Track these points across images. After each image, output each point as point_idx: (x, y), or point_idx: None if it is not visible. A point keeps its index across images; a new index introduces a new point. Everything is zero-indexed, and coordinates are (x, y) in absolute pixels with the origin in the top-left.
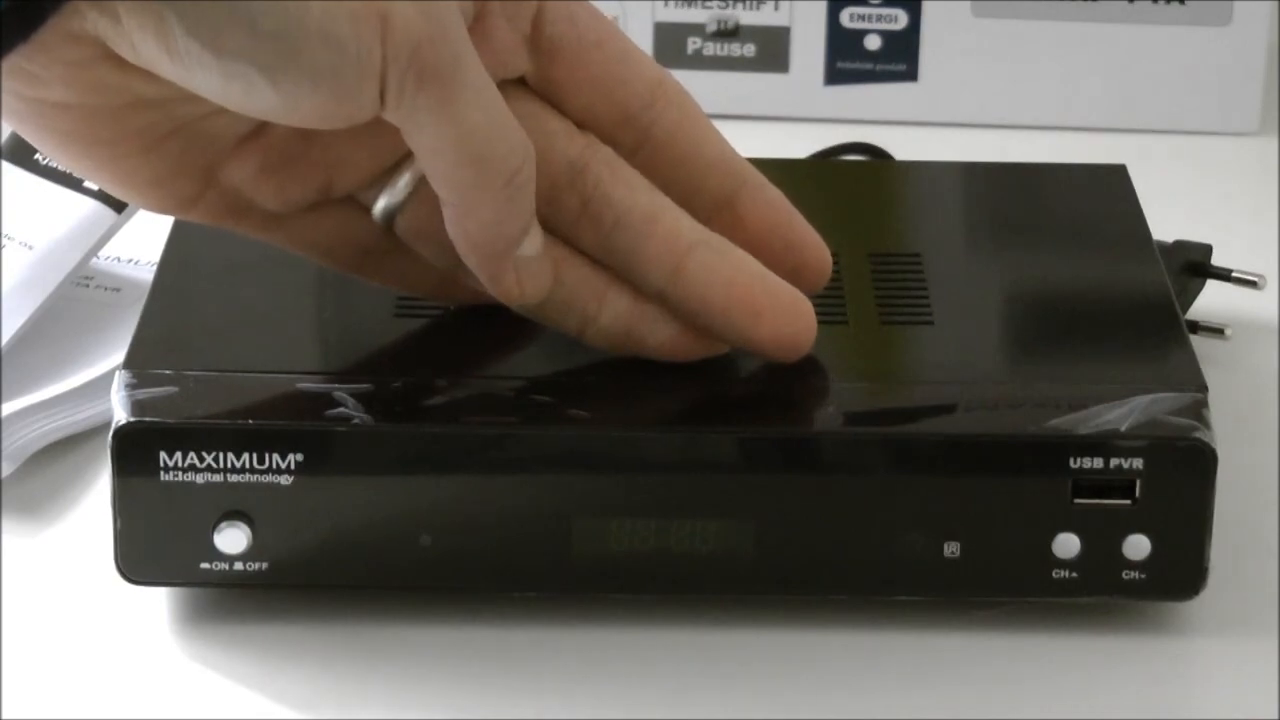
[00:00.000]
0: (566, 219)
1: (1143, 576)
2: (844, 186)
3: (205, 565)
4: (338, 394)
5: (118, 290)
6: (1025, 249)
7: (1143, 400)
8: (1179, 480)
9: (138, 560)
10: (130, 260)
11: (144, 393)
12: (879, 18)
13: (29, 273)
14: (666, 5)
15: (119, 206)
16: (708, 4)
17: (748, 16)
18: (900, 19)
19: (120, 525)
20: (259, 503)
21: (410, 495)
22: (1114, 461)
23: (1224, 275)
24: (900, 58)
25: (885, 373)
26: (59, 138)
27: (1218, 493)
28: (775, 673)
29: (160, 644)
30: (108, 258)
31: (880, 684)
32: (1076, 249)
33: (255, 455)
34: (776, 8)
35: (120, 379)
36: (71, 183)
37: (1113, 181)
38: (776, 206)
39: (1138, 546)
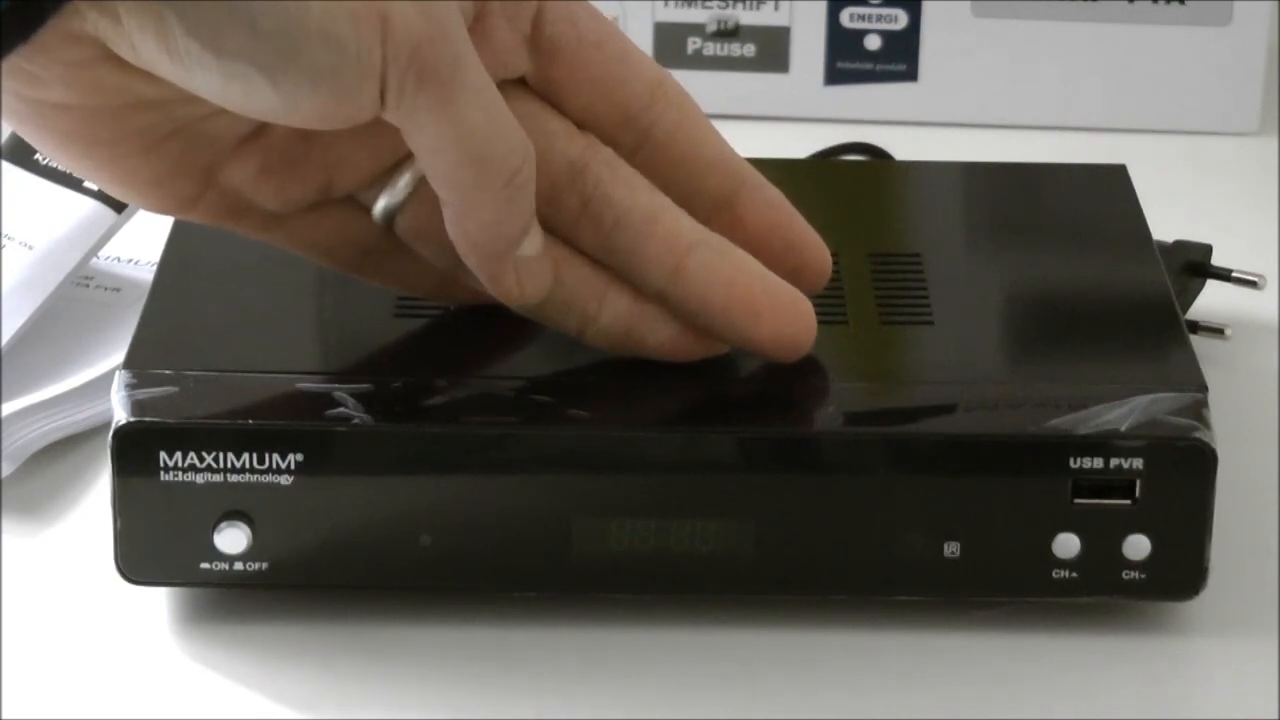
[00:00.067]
0: (566, 219)
1: (1143, 576)
2: (844, 186)
3: (205, 565)
4: (338, 394)
5: (118, 290)
6: (1025, 249)
7: (1143, 400)
8: (1179, 480)
9: (138, 560)
10: (130, 260)
11: (144, 393)
12: (879, 18)
13: (29, 273)
14: (666, 5)
15: (119, 206)
16: (708, 4)
17: (748, 16)
18: (900, 19)
19: (120, 525)
20: (259, 503)
21: (410, 495)
22: (1114, 461)
23: (1224, 275)
24: (900, 58)
25: (885, 373)
26: (59, 138)
27: (1218, 493)
28: (775, 673)
29: (160, 644)
30: (108, 258)
31: (880, 684)
32: (1076, 249)
33: (255, 455)
34: (776, 8)
35: (120, 379)
36: (71, 183)
37: (1113, 181)
38: (776, 206)
39: (1138, 546)
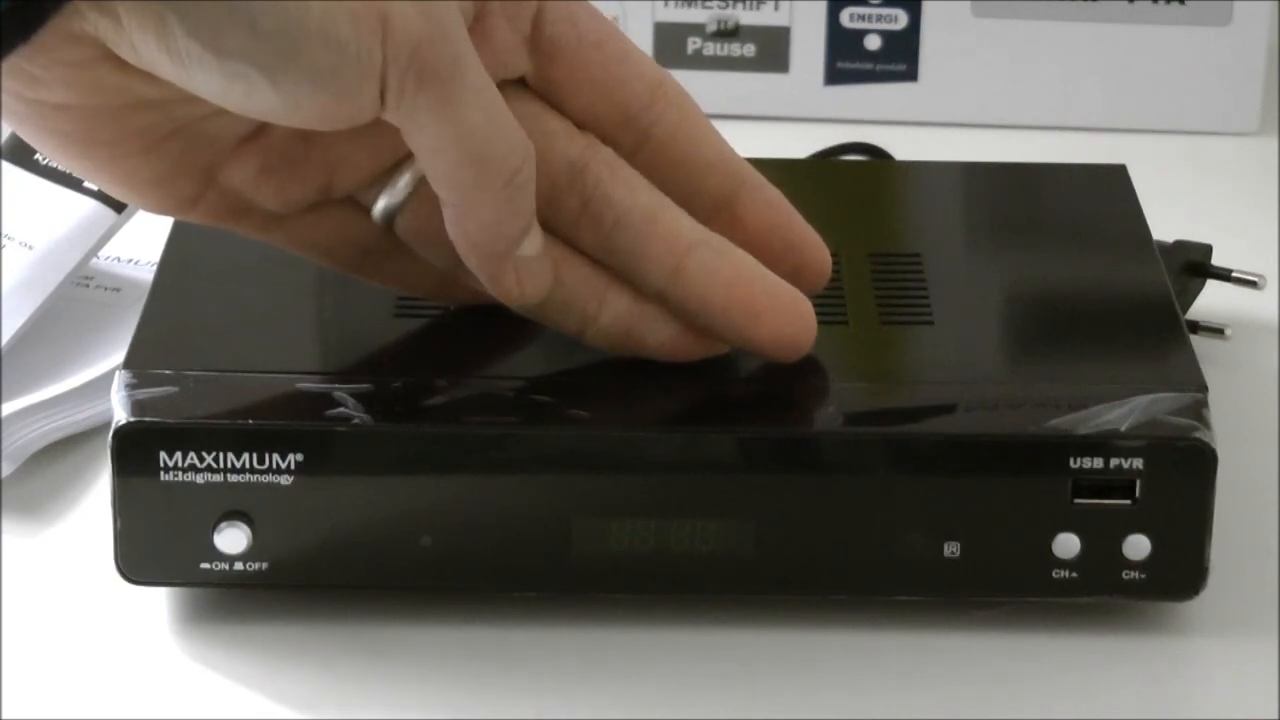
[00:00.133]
0: (566, 219)
1: (1143, 576)
2: (844, 186)
3: (205, 565)
4: (338, 394)
5: (118, 290)
6: (1025, 249)
7: (1143, 400)
8: (1179, 480)
9: (138, 560)
10: (130, 260)
11: (144, 393)
12: (879, 18)
13: (29, 273)
14: (666, 5)
15: (119, 206)
16: (708, 4)
17: (748, 16)
18: (900, 19)
19: (120, 525)
20: (259, 503)
21: (410, 495)
22: (1114, 461)
23: (1224, 275)
24: (900, 58)
25: (885, 373)
26: (59, 138)
27: (1218, 493)
28: (775, 673)
29: (160, 644)
30: (108, 258)
31: (880, 684)
32: (1076, 249)
33: (255, 455)
34: (776, 8)
35: (120, 379)
36: (71, 183)
37: (1113, 181)
38: (776, 206)
39: (1138, 546)
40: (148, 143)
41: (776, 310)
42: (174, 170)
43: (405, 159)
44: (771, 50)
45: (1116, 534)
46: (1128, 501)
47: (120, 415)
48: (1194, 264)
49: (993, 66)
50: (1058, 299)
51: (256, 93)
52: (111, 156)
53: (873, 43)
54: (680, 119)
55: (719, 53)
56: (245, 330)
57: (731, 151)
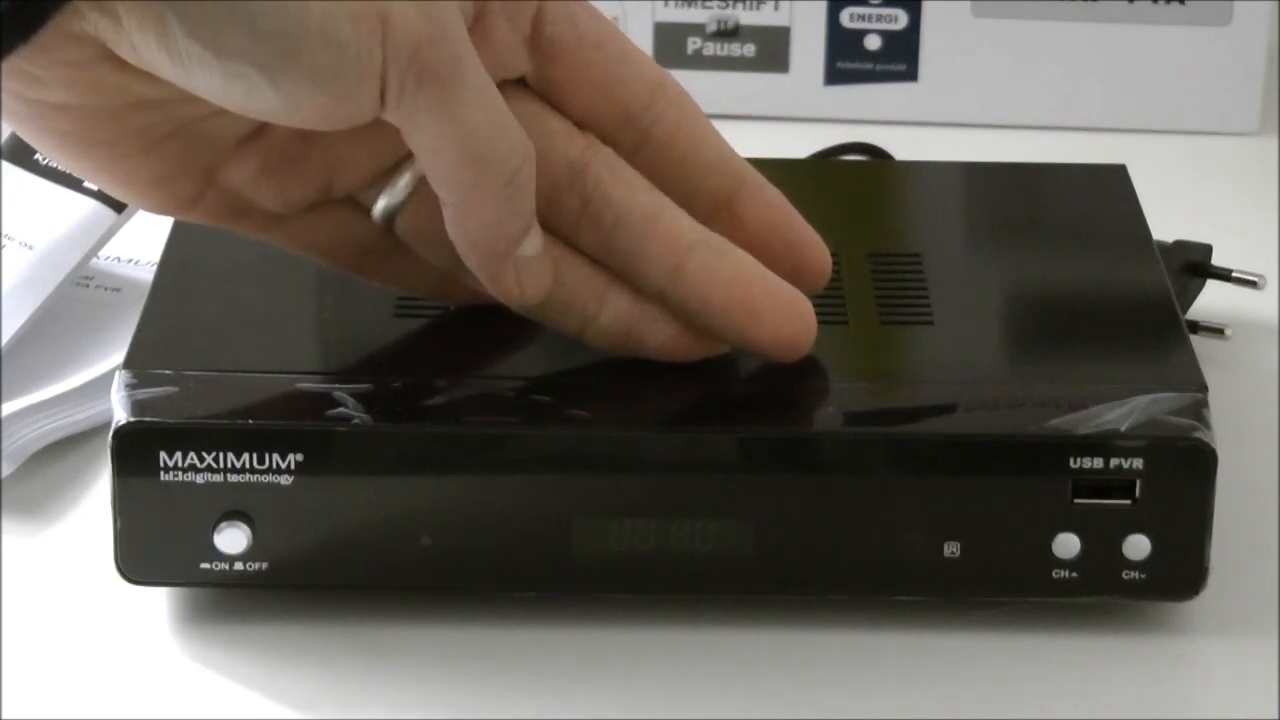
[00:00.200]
0: (566, 219)
1: (1143, 576)
2: (844, 186)
3: (205, 565)
4: (338, 394)
5: (118, 290)
6: (1025, 249)
7: (1143, 400)
8: (1179, 480)
9: (138, 560)
10: (130, 260)
11: (144, 393)
12: (879, 18)
13: (29, 273)
14: (666, 5)
15: (119, 206)
16: (708, 4)
17: (748, 16)
18: (900, 19)
19: (120, 525)
20: (259, 503)
21: (410, 495)
22: (1114, 461)
23: (1224, 275)
24: (900, 58)
25: (885, 373)
26: (59, 138)
27: (1218, 493)
28: (775, 673)
29: (160, 644)
30: (108, 258)
31: (880, 684)
32: (1076, 249)
33: (255, 455)
34: (776, 8)
35: (120, 379)
36: (71, 183)
37: (1113, 181)
38: (776, 206)
39: (1138, 546)
40: (148, 143)
41: (776, 310)
42: (174, 170)
43: (405, 159)
44: (771, 50)
45: (1116, 534)
46: (1128, 501)
47: (120, 415)
48: (1194, 264)
49: (993, 66)
50: (1058, 299)
51: (256, 93)
52: (111, 156)
53: (873, 43)
54: (680, 119)
55: (719, 53)
56: (245, 330)
57: (731, 151)
